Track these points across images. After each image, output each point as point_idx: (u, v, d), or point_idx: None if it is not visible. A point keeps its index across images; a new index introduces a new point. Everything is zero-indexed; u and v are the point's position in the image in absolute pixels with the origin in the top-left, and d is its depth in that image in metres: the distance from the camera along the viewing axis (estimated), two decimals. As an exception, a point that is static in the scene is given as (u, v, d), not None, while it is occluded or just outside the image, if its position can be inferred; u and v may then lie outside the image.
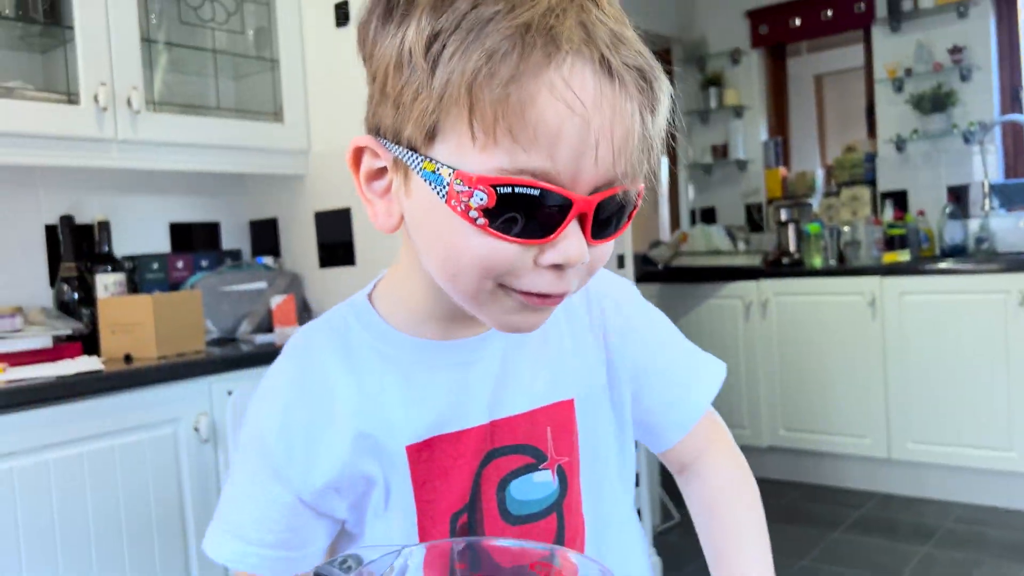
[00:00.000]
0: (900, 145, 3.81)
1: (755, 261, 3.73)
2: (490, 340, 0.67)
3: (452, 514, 0.65)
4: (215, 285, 2.23)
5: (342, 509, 0.65)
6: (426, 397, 0.64)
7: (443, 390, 0.65)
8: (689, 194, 4.54)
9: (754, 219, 4.31)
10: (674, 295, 3.73)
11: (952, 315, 3.08)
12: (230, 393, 1.83)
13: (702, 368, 0.78)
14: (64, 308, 2.03)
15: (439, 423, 0.64)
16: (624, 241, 2.90)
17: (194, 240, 2.44)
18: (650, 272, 3.88)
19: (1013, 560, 2.60)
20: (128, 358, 1.84)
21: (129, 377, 1.69)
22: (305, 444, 0.63)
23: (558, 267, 0.54)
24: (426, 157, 0.53)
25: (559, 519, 0.68)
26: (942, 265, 3.18)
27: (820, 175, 4.24)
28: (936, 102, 3.67)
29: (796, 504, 3.25)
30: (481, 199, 0.51)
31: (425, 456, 0.64)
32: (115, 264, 2.09)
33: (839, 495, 3.32)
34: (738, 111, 4.35)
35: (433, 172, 0.52)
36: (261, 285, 2.29)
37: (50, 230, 2.10)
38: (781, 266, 3.66)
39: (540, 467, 0.67)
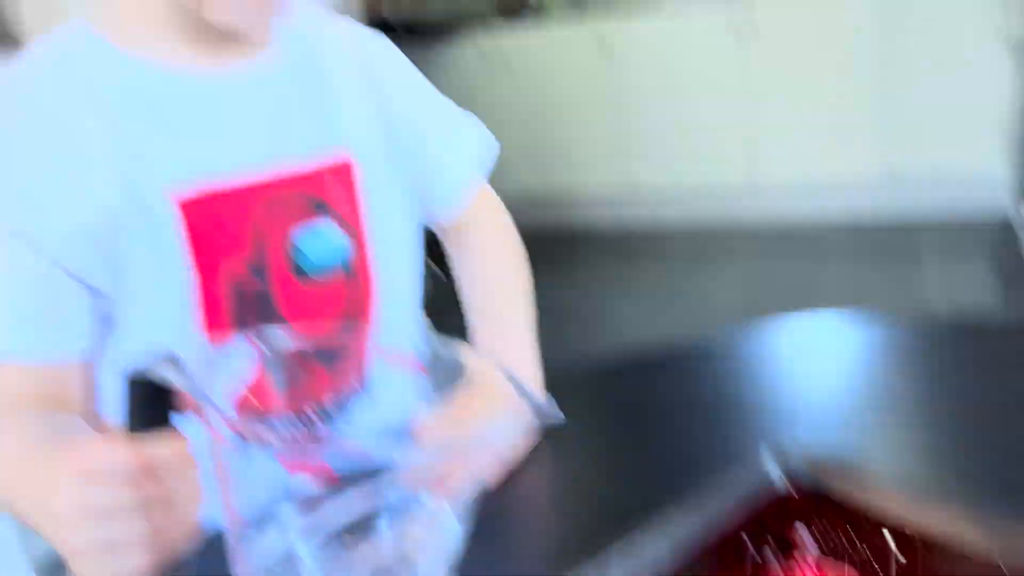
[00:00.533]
0: None
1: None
2: (254, 80, 0.60)
3: (236, 273, 0.60)
4: None
5: (99, 273, 0.56)
6: (189, 139, 0.57)
7: (208, 131, 0.58)
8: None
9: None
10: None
11: (672, 48, 3.25)
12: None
13: (471, 130, 0.76)
14: None
15: (209, 168, 0.57)
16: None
17: None
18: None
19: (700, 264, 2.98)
20: None
21: None
22: (49, 184, 0.54)
23: None
24: None
25: (348, 281, 0.66)
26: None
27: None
28: None
29: (545, 249, 3.43)
30: None
31: (197, 206, 0.57)
32: None
33: (585, 234, 3.54)
34: None
35: None
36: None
37: None
38: (517, 15, 3.61)
39: (326, 218, 0.64)
